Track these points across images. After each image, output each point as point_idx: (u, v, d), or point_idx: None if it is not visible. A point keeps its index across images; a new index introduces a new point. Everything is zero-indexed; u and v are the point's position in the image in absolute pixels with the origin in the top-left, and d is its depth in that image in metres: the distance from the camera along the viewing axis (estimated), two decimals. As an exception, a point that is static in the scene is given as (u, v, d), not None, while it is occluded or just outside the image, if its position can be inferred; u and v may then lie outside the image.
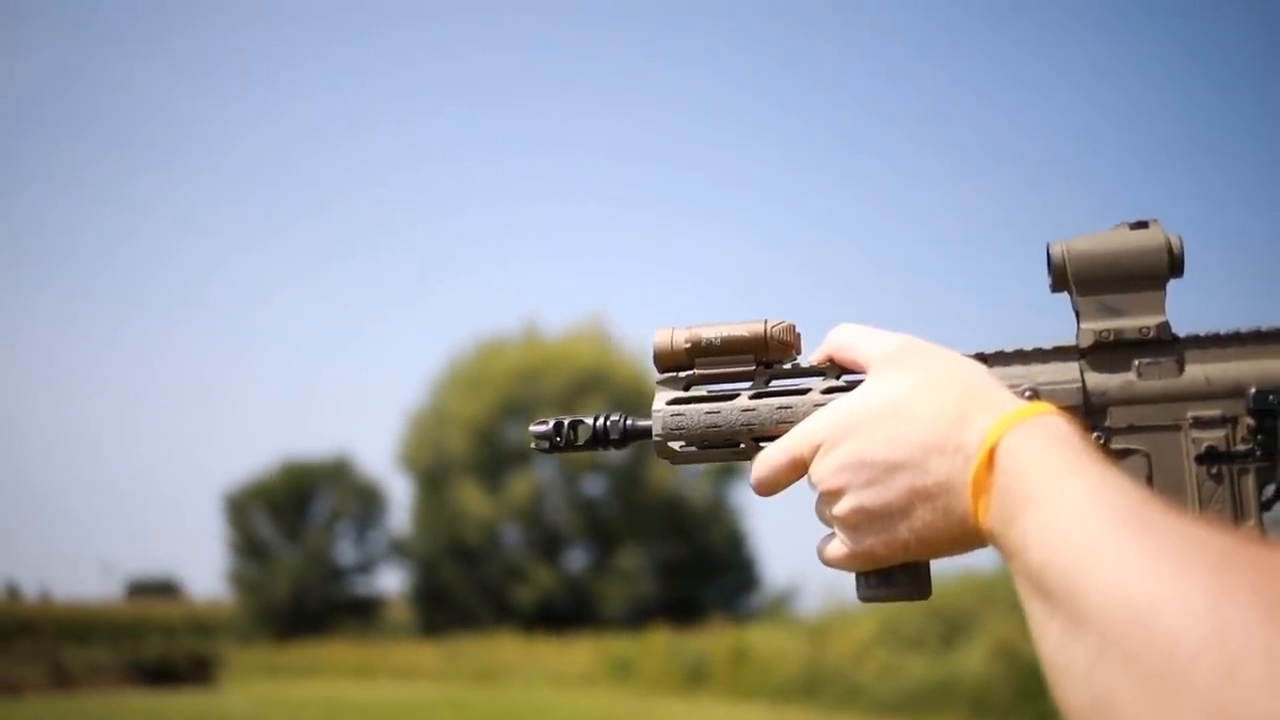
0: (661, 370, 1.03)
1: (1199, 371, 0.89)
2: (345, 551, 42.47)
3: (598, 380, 34.24)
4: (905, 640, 15.97)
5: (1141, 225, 0.91)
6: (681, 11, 49.92)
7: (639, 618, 28.20)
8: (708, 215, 52.06)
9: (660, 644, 22.22)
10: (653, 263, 52.33)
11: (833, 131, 49.37)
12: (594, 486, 35.27)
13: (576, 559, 35.55)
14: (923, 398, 0.84)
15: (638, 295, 50.71)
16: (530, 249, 53.83)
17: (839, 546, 0.89)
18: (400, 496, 47.15)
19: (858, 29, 48.32)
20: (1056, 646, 0.65)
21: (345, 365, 59.22)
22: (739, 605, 34.18)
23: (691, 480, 33.85)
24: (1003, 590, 14.81)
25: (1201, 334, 0.90)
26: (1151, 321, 0.90)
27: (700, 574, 34.36)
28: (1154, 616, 0.58)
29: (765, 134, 50.65)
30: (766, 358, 0.99)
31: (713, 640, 21.28)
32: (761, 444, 0.96)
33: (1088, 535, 0.65)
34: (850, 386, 0.93)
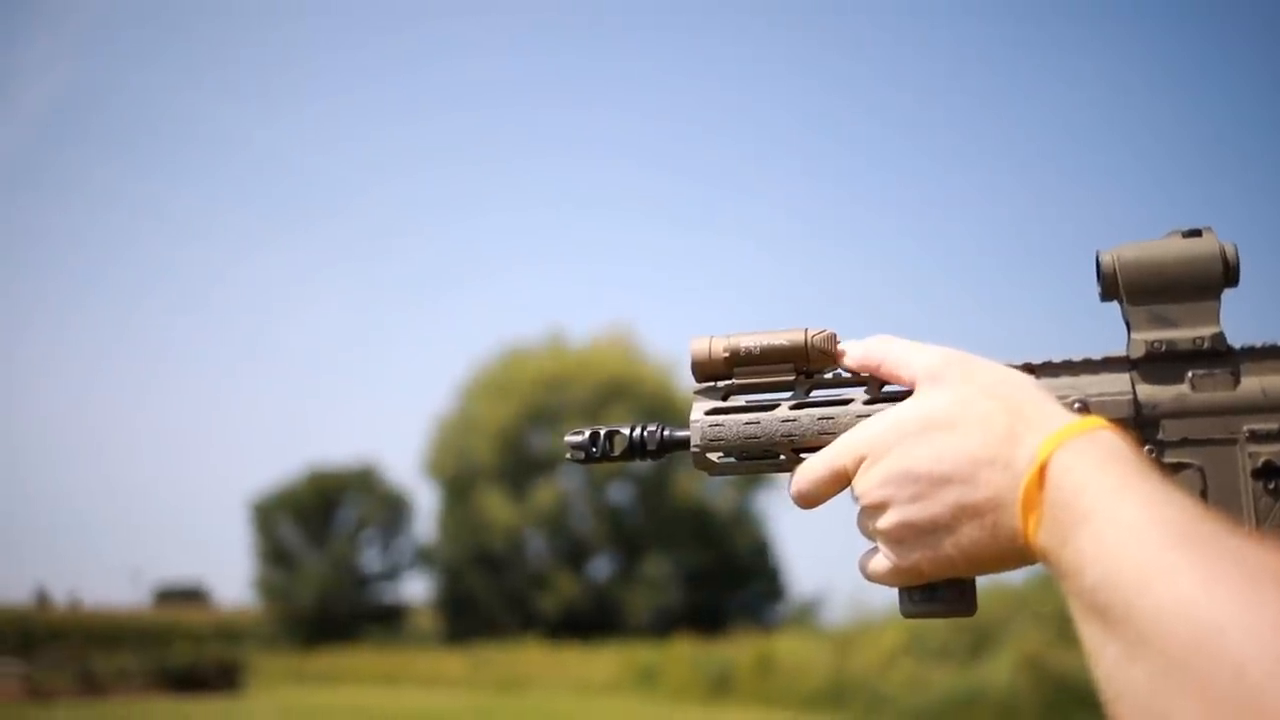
0: (699, 380, 1.00)
1: (1255, 384, 0.86)
2: (371, 559, 42.73)
3: (623, 388, 34.25)
4: (932, 651, 15.90)
5: (1195, 233, 0.89)
6: (714, 19, 49.94)
7: (664, 626, 28.20)
8: (737, 224, 52.08)
9: (685, 653, 22.20)
10: (679, 271, 52.37)
11: (869, 140, 49.32)
12: (619, 495, 35.33)
13: (601, 567, 35.61)
14: (970, 412, 0.82)
15: (663, 303, 50.76)
16: (556, 255, 54.05)
17: (882, 561, 0.87)
18: (426, 504, 47.48)
19: (897, 41, 48.23)
20: (1114, 667, 0.64)
21: (372, 373, 59.53)
22: (764, 614, 34.15)
23: (717, 489, 33.84)
24: (1031, 601, 14.72)
25: (1257, 345, 0.88)
26: (1205, 332, 0.88)
27: (725, 583, 34.30)
28: (1220, 638, 0.57)
29: (797, 144, 50.65)
30: (807, 367, 0.97)
31: (738, 649, 21.25)
32: (802, 455, 0.94)
33: (1146, 554, 0.64)
34: (895, 398, 0.91)
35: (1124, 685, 0.63)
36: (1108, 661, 0.65)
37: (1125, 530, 0.66)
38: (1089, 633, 0.67)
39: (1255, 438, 0.85)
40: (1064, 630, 14.09)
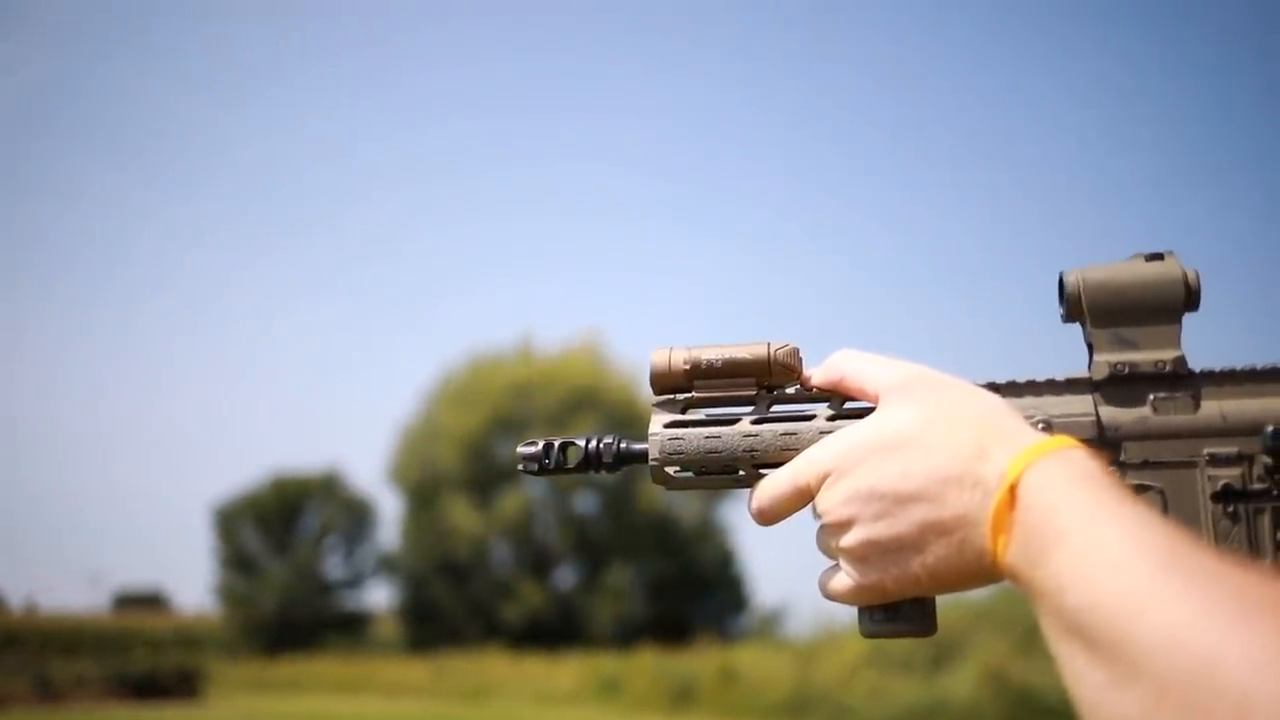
0: (658, 392, 0.98)
1: (1215, 408, 0.87)
2: (334, 566, 42.41)
3: (591, 398, 34.21)
4: (894, 663, 15.93)
5: (1157, 257, 0.90)
6: (685, 23, 50.02)
7: (627, 636, 28.14)
8: (707, 233, 52.11)
9: (648, 663, 22.16)
10: (649, 279, 52.36)
11: (839, 149, 49.51)
12: (584, 504, 35.24)
13: (566, 576, 35.48)
14: (938, 429, 0.81)
15: (633, 312, 50.76)
16: (525, 264, 53.83)
17: (844, 580, 0.86)
18: (390, 512, 47.15)
19: (872, 52, 48.45)
20: (1100, 693, 0.63)
21: (337, 379, 59.19)
22: (728, 625, 34.12)
23: (681, 499, 33.77)
24: (993, 614, 14.79)
25: (1217, 370, 0.89)
26: (1167, 355, 0.89)
27: (689, 593, 34.28)
28: (1220, 668, 0.56)
29: (769, 152, 50.69)
30: (769, 382, 0.96)
31: (701, 660, 21.22)
32: (763, 471, 0.93)
33: (1134, 579, 0.63)
34: (858, 414, 0.90)
35: (1111, 712, 0.62)
36: (1092, 687, 0.64)
37: (1108, 554, 0.66)
38: (1068, 654, 0.67)
39: (1215, 461, 0.86)
40: (1026, 643, 14.17)
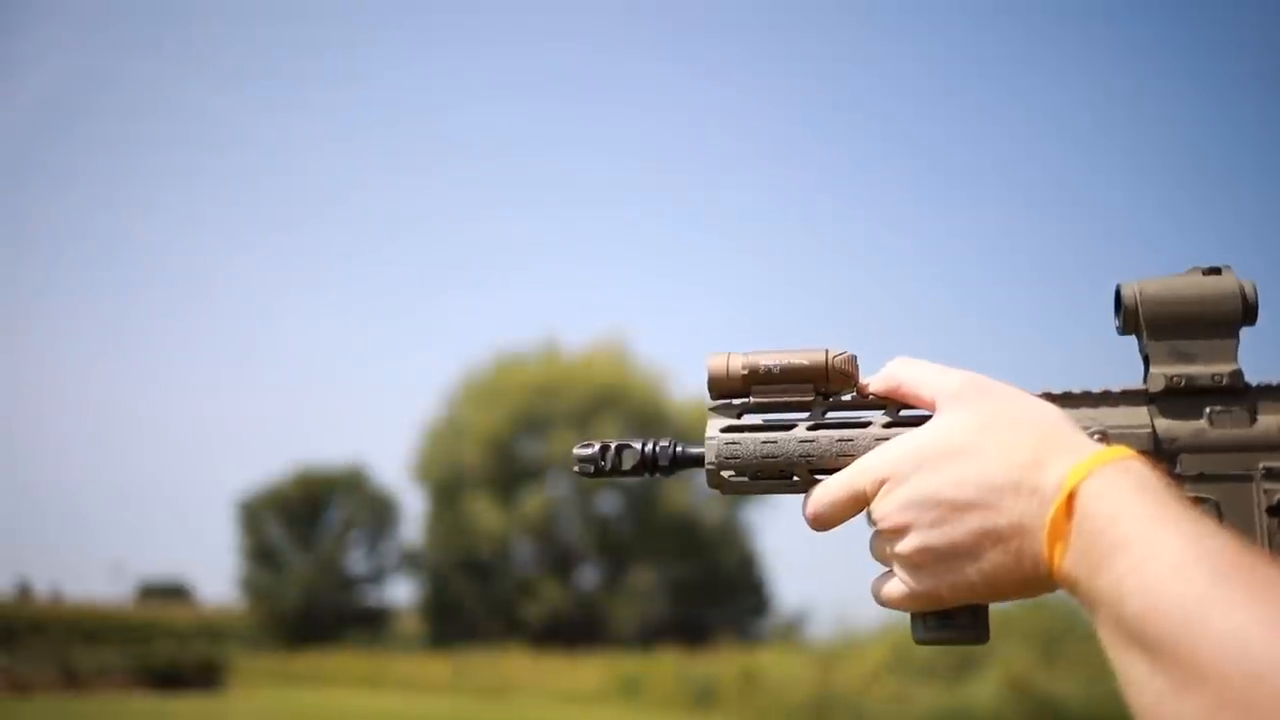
0: (715, 397, 0.99)
1: (1272, 422, 0.88)
2: (357, 561, 42.53)
3: (614, 397, 34.21)
4: (916, 669, 15.87)
5: (1214, 271, 0.91)
6: (718, 18, 49.78)
7: (649, 637, 28.16)
8: (732, 232, 51.92)
9: (669, 664, 22.16)
10: (674, 279, 52.26)
11: (874, 148, 49.13)
12: (607, 504, 35.23)
13: (588, 576, 35.49)
14: (994, 438, 0.82)
15: (657, 312, 50.70)
16: (550, 261, 53.76)
17: (898, 586, 0.87)
18: (413, 508, 47.22)
19: (916, 61, 48.04)
20: (1161, 701, 0.64)
21: (363, 374, 59.30)
22: (749, 628, 34.04)
23: (705, 501, 33.75)
24: (1016, 622, 14.71)
25: (1275, 383, 0.89)
26: (1224, 369, 0.89)
27: (711, 595, 34.21)
28: None
29: (802, 155, 50.38)
30: (825, 388, 0.96)
31: (722, 663, 21.20)
32: (818, 477, 0.94)
33: (1196, 586, 0.64)
34: (915, 421, 0.91)
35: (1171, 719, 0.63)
36: (1152, 695, 0.65)
37: (1169, 561, 0.66)
38: (1128, 663, 0.67)
39: (1270, 475, 0.87)
40: (1049, 651, 14.10)
